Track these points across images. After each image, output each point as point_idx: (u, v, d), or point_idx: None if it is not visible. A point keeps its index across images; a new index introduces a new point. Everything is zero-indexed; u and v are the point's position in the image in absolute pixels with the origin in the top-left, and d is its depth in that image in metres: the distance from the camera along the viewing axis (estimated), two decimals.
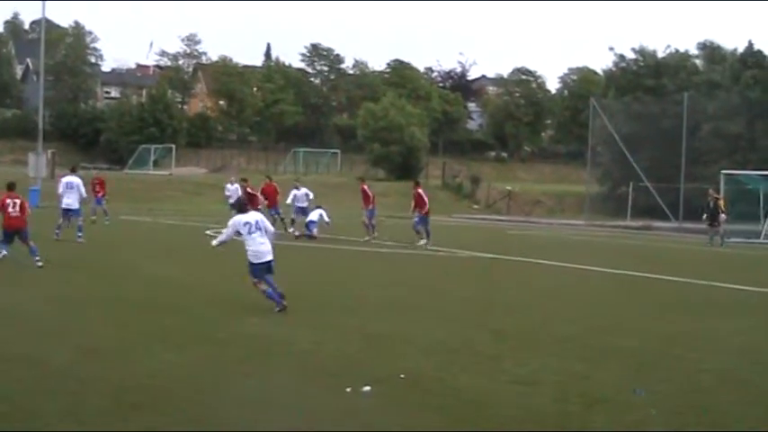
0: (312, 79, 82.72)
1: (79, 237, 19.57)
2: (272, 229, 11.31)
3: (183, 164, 62.97)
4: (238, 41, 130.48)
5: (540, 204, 56.99)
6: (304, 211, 24.35)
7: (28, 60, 78.28)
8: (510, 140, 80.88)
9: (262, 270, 10.53)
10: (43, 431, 5.84)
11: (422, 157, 63.50)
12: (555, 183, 64.93)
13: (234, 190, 25.72)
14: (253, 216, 10.98)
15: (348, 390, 7.14)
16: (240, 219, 10.73)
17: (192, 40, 79.71)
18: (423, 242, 22.16)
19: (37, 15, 59.27)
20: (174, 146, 62.42)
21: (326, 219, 24.22)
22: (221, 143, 73.63)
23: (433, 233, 23.19)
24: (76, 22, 77.29)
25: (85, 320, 10.19)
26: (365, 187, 24.71)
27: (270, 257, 10.63)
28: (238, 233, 10.69)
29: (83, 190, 20.46)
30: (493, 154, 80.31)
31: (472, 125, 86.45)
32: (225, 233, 11.15)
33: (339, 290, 13.75)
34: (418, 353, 8.72)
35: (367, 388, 7.20)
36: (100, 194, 27.27)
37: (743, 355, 9.18)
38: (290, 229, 24.12)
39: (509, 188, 58.20)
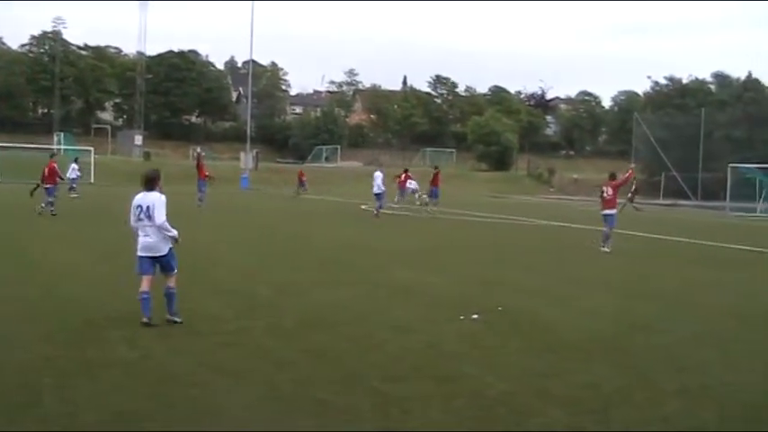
0: (435, 99, 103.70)
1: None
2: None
3: (345, 159, 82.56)
4: (384, 73, 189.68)
5: (597, 188, 68.77)
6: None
7: (240, 89, 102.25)
8: (576, 142, 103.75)
9: None
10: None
11: (513, 154, 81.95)
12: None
13: (378, 176, 31.29)
14: None
15: (461, 318, 8.93)
16: None
17: (351, 73, 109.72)
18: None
19: (246, 57, 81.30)
20: (339, 146, 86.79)
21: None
22: (372, 145, 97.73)
23: (529, 209, 29.96)
24: (273, 63, 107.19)
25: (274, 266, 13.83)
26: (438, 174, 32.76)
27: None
28: None
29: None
30: (563, 152, 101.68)
31: (549, 131, 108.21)
32: None
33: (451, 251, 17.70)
34: (511, 292, 11.54)
35: (475, 316, 8.99)
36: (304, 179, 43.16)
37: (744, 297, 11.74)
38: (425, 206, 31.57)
39: (575, 176, 71.15)
